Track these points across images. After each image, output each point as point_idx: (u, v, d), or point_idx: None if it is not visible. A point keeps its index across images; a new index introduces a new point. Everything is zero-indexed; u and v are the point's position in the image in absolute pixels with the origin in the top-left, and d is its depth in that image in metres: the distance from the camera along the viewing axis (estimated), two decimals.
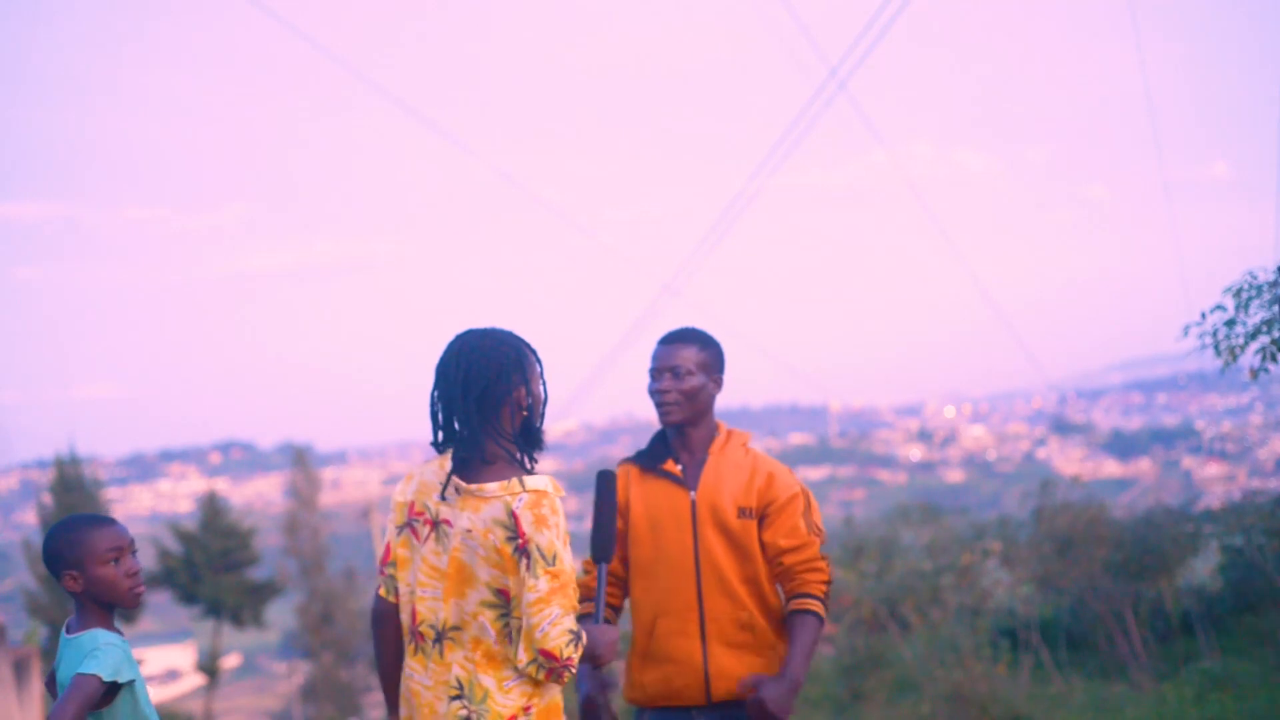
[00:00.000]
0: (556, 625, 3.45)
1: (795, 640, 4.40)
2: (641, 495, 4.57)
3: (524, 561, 3.50)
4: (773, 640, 4.48)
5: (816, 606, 4.45)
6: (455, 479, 3.68)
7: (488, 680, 3.60)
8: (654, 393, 4.55)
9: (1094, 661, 14.81)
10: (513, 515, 3.54)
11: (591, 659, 3.73)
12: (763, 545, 4.50)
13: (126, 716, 3.52)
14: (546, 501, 3.55)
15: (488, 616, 3.60)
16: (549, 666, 3.48)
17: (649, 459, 4.61)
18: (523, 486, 3.57)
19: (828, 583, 4.54)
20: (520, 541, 3.52)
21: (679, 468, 4.55)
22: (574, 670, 3.51)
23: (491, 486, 3.60)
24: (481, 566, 3.60)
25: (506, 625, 3.59)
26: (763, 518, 4.50)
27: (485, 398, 3.68)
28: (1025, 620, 15.61)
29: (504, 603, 3.58)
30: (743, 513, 4.47)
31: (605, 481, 4.08)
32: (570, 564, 3.53)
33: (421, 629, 3.73)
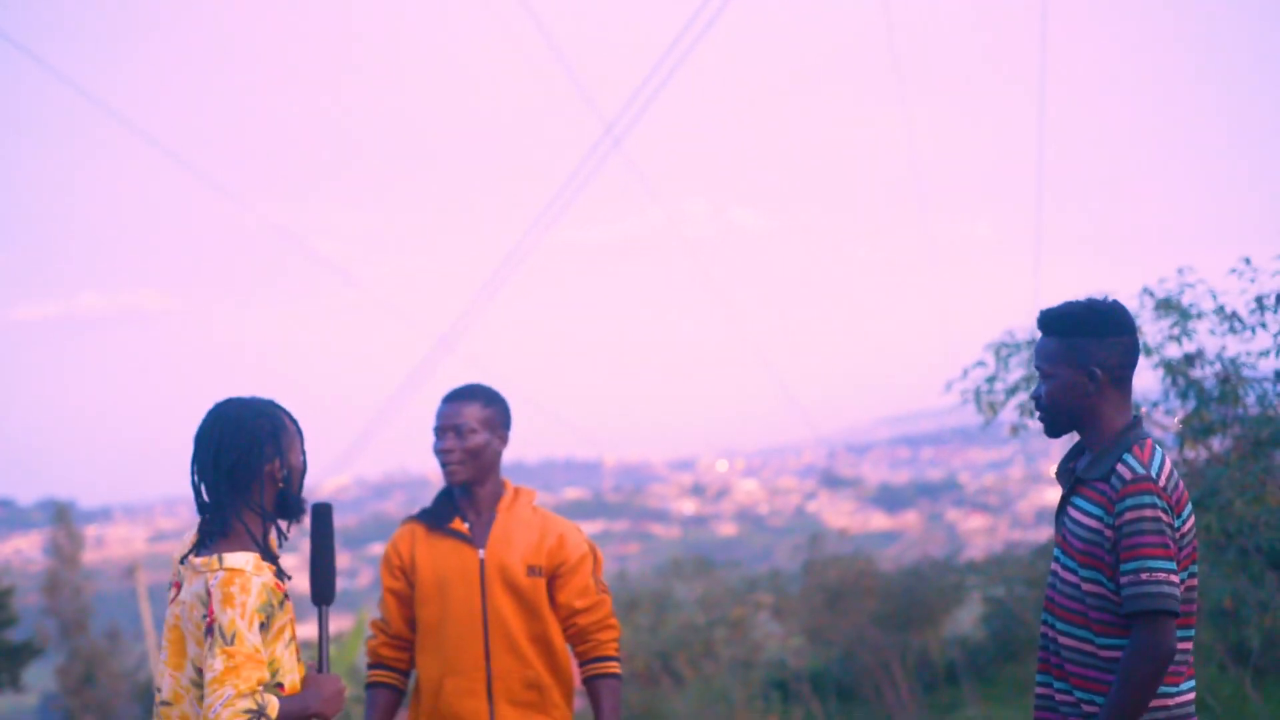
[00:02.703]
0: (229, 706, 3.36)
1: (602, 709, 4.46)
2: (428, 555, 4.51)
3: (208, 640, 3.44)
4: (558, 700, 4.49)
5: (615, 668, 4.51)
6: (191, 551, 3.63)
7: None
8: (438, 452, 4.51)
9: (863, 712, 15.07)
10: (208, 593, 3.49)
11: (318, 715, 3.64)
12: (556, 605, 4.51)
13: None
14: (239, 580, 3.47)
15: (194, 695, 3.55)
16: None
17: (435, 518, 4.55)
18: (220, 564, 3.51)
19: (618, 638, 4.59)
20: (209, 620, 3.46)
21: (466, 526, 4.51)
22: None
23: (199, 561, 3.55)
24: (190, 642, 3.55)
25: None
26: (554, 578, 4.50)
27: (237, 470, 3.63)
28: (796, 672, 15.83)
29: (204, 682, 3.50)
30: (532, 571, 4.46)
31: (321, 515, 3.83)
32: (251, 643, 3.43)
33: (155, 693, 3.67)
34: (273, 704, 3.45)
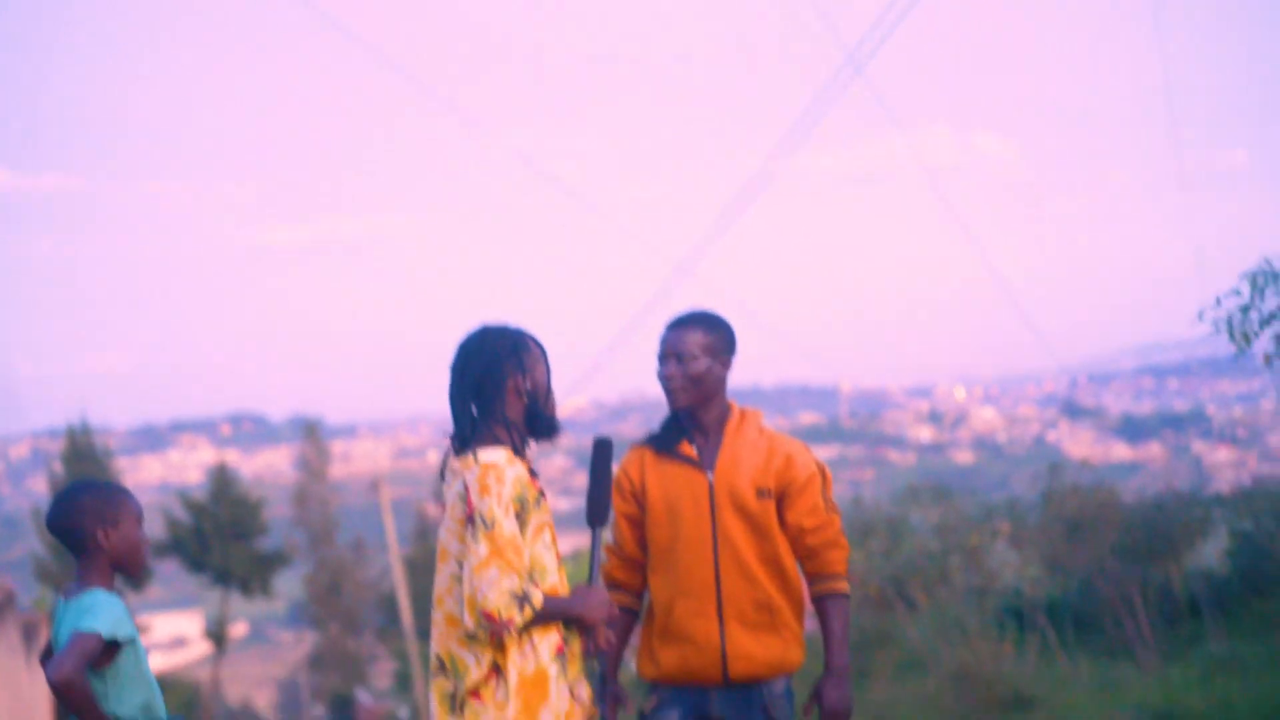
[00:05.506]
0: (494, 587, 3.52)
1: (831, 628, 4.45)
2: (658, 479, 4.54)
3: (469, 530, 3.61)
4: (790, 620, 4.50)
5: (843, 586, 4.49)
6: (450, 459, 3.83)
7: (465, 654, 3.69)
8: (661, 378, 4.53)
9: (1100, 643, 14.84)
10: (466, 489, 3.66)
11: (579, 619, 3.77)
12: (784, 525, 4.51)
13: (129, 676, 3.56)
14: (494, 472, 3.65)
15: (457, 591, 3.72)
16: (489, 628, 3.56)
17: (663, 442, 4.58)
18: (476, 460, 3.70)
19: (847, 557, 4.58)
20: (469, 511, 3.63)
21: (694, 450, 4.53)
22: (513, 631, 3.58)
23: (456, 463, 3.76)
24: (452, 540, 3.73)
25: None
26: (783, 498, 4.50)
27: (482, 385, 3.82)
28: (1032, 601, 15.64)
29: (468, 569, 3.66)
30: (761, 494, 4.46)
31: (602, 449, 4.12)
32: (510, 530, 3.60)
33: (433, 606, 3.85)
34: (537, 595, 3.61)
